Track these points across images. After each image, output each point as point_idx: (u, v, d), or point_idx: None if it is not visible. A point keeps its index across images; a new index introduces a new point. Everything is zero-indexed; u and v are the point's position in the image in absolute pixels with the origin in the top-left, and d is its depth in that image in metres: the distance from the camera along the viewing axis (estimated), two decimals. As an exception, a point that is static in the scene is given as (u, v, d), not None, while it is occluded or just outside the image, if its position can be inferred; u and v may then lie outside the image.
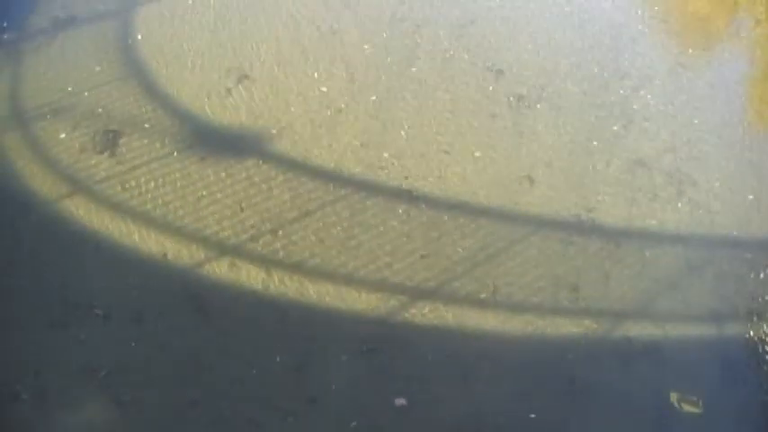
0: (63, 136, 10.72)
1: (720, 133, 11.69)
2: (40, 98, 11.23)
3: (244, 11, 13.09)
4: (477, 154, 10.95)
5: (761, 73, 13.41)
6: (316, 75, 11.93)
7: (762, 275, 9.87)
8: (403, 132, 11.15)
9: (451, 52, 12.58)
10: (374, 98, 11.62)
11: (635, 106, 11.95)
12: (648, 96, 12.17)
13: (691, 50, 13.70)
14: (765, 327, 9.40)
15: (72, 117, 10.97)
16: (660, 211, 10.45)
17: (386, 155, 10.83)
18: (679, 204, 10.58)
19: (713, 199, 10.71)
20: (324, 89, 11.71)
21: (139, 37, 12.43)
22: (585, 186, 10.64)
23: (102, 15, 12.85)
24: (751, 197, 10.79)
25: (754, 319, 9.45)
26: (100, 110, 11.09)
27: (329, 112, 11.32)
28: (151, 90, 11.49)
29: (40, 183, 10.16)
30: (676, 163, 11.11)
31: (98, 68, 11.74)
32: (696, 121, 11.85)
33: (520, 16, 13.62)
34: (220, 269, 9.51)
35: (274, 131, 10.97)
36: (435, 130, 11.25)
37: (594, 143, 11.26)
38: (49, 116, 10.97)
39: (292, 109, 11.32)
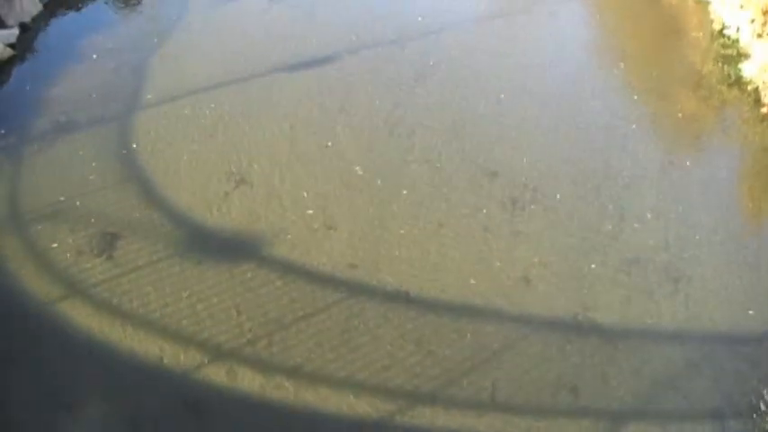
0: (61, 238, 11.07)
1: (713, 229, 12.03)
2: (39, 201, 11.69)
3: (242, 118, 13.77)
4: (473, 256, 11.26)
5: (750, 169, 13.95)
6: (313, 180, 12.42)
7: (761, 371, 10.05)
8: (399, 236, 11.49)
9: (445, 156, 13.14)
10: (371, 202, 12.06)
11: (628, 205, 12.36)
12: (641, 195, 12.61)
13: (681, 149, 14.32)
14: (769, 424, 9.50)
15: (70, 220, 11.37)
16: (656, 308, 10.65)
17: (383, 258, 11.12)
18: (675, 302, 10.78)
19: (709, 295, 10.91)
20: (321, 194, 12.17)
21: (138, 141, 13.04)
22: (582, 286, 10.91)
23: (101, 120, 13.52)
24: (747, 292, 11.03)
25: (757, 415, 9.56)
26: (98, 213, 11.52)
27: (326, 218, 11.71)
28: (149, 194, 11.94)
29: (37, 285, 10.41)
30: (671, 260, 11.40)
31: (97, 172, 12.27)
32: (689, 219, 12.21)
33: (512, 119, 14.30)
34: (218, 374, 9.60)
35: (271, 236, 11.33)
36: (431, 232, 11.60)
37: (589, 242, 11.60)
38: (47, 219, 11.38)
39: (289, 214, 11.73)
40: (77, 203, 11.66)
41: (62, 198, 11.72)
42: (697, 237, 11.90)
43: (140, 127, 13.39)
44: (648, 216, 12.19)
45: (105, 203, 11.66)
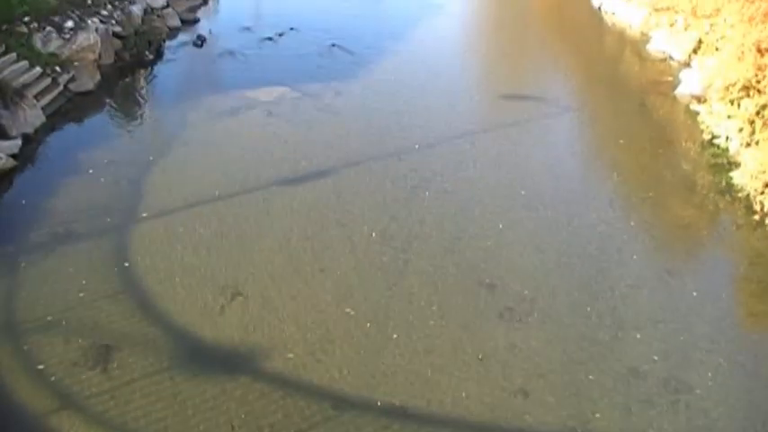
0: (55, 350, 11.08)
1: (712, 337, 12.14)
2: (35, 311, 11.77)
3: (238, 231, 14.05)
4: (470, 369, 11.29)
5: (746, 276, 14.19)
6: (308, 292, 12.58)
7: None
8: (395, 349, 11.53)
9: (442, 268, 13.36)
10: (366, 316, 12.15)
11: (625, 315, 12.51)
12: (638, 304, 12.78)
13: (677, 258, 14.62)
14: None
15: (65, 331, 11.42)
16: (657, 420, 10.61)
17: (378, 372, 11.13)
18: (676, 412, 10.79)
19: (711, 404, 10.91)
20: (316, 307, 12.30)
21: (135, 254, 13.26)
22: (580, 398, 10.91)
23: (100, 231, 13.78)
24: (749, 400, 11.06)
25: None
26: (93, 325, 11.58)
27: (321, 331, 11.78)
28: (145, 306, 12.06)
29: (31, 396, 10.36)
30: (670, 370, 11.45)
31: (93, 284, 12.41)
32: (687, 327, 12.33)
33: (508, 231, 14.61)
34: (211, 491, 9.56)
35: (266, 350, 11.39)
36: (427, 346, 11.64)
37: (587, 353, 11.68)
38: (42, 329, 11.42)
39: (285, 327, 11.82)
40: (73, 315, 11.76)
41: (58, 309, 11.83)
42: (696, 346, 12.00)
43: (137, 240, 13.66)
44: (646, 326, 12.32)
45: (101, 315, 11.77)
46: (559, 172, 17.33)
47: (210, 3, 30.89)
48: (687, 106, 20.85)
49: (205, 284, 12.57)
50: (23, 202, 14.74)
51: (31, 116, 17.28)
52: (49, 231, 13.75)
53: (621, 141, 19.29)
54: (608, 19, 31.21)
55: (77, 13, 21.66)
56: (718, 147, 18.34)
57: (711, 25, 23.42)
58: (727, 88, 18.91)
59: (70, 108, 18.96)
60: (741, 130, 17.89)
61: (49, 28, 20.05)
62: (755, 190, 15.97)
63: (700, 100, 20.53)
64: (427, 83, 22.33)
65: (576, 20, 32.54)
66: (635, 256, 14.12)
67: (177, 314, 11.89)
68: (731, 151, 17.92)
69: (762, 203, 15.57)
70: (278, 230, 14.15)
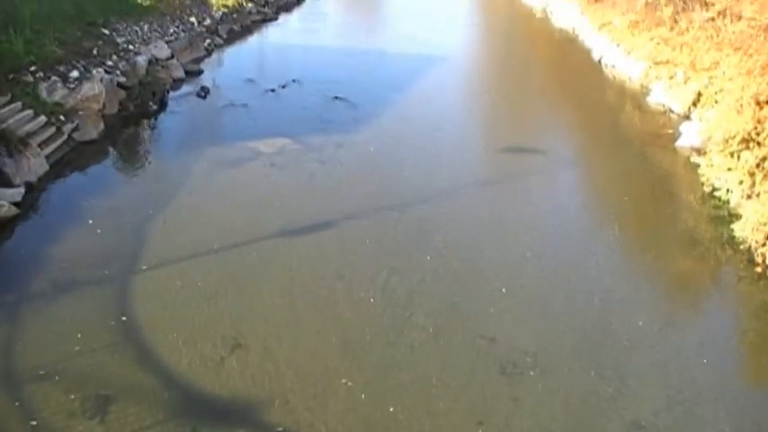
0: (54, 400, 11.01)
1: (716, 390, 12.04)
2: (34, 360, 11.70)
3: (239, 283, 14.08)
4: (472, 426, 11.20)
5: (749, 328, 14.17)
6: (309, 345, 12.55)
7: None
8: (396, 405, 11.42)
9: (443, 322, 13.30)
10: (367, 369, 12.08)
11: (627, 368, 12.44)
12: (640, 357, 12.71)
13: (678, 310, 14.61)
14: None
15: (64, 381, 11.35)
16: (662, 475, 10.57)
17: (379, 426, 11.04)
18: (680, 468, 10.74)
19: (715, 462, 10.88)
20: (317, 360, 12.25)
21: (135, 303, 13.29)
22: (583, 452, 10.87)
23: (101, 280, 13.83)
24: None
25: None
26: (92, 375, 11.52)
27: (322, 384, 11.70)
28: (144, 357, 12.03)
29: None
30: (674, 423, 11.36)
31: (92, 334, 12.39)
32: (690, 380, 12.26)
33: (510, 284, 14.59)
34: None
35: (266, 402, 11.33)
36: (428, 403, 11.51)
37: (589, 407, 11.60)
38: (40, 379, 11.35)
39: (285, 379, 11.74)
40: (72, 365, 11.73)
41: (57, 358, 11.80)
42: (699, 398, 11.91)
43: (138, 289, 13.69)
44: (648, 378, 12.24)
45: (100, 366, 11.73)
46: (560, 223, 17.43)
47: (214, 54, 31.47)
48: (687, 158, 21.03)
49: (205, 335, 12.55)
50: (25, 250, 14.83)
51: (35, 164, 17.47)
52: (49, 280, 13.78)
53: (622, 194, 19.43)
54: (608, 71, 31.71)
55: (83, 63, 22.08)
56: (719, 199, 18.46)
57: (710, 78, 23.76)
58: (726, 140, 19.10)
59: (74, 157, 19.16)
60: (741, 182, 18.02)
61: (54, 77, 20.42)
62: (757, 242, 16.01)
63: (700, 152, 20.73)
64: (429, 135, 22.59)
65: (576, 72, 33.05)
66: (637, 308, 14.11)
67: (176, 365, 11.85)
68: (732, 203, 18.03)
69: (764, 255, 15.59)
70: (279, 282, 14.18)
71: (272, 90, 26.00)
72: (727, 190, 18.43)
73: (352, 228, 16.31)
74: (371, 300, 13.77)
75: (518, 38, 43.59)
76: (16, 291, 13.41)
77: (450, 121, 24.82)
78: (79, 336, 12.28)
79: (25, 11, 22.11)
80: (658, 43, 28.93)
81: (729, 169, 18.74)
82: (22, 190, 16.51)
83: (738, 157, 18.60)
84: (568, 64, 35.11)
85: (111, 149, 20.40)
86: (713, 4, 26.65)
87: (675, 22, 29.00)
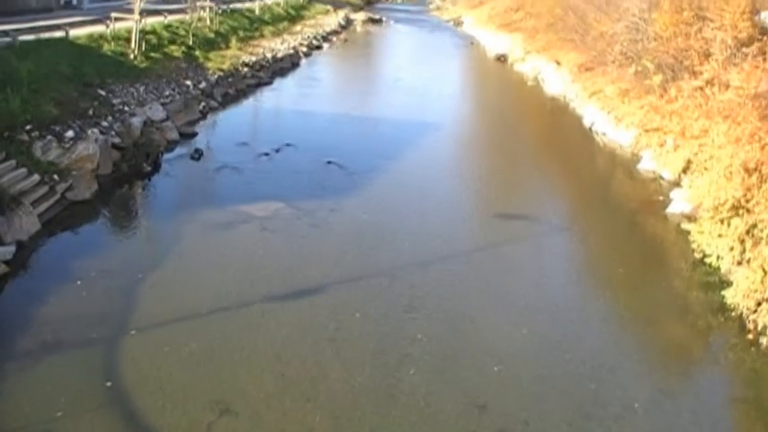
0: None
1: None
2: (15, 422, 11.56)
3: (228, 346, 13.98)
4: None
5: (742, 396, 14.18)
6: (299, 412, 12.41)
7: None
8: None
9: (433, 389, 13.22)
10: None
11: (620, 437, 12.46)
12: (632, 426, 12.65)
13: (671, 377, 14.60)
14: None
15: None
16: None
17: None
18: None
19: None
20: (306, 427, 12.14)
21: (123, 366, 13.19)
22: None
23: (89, 342, 13.73)
24: None
25: None
26: (77, 440, 11.45)
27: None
28: (130, 422, 11.89)
29: None
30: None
31: (80, 396, 12.26)
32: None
33: (501, 352, 14.57)
34: None
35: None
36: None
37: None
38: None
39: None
40: (58, 427, 11.60)
41: (39, 421, 11.66)
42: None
43: (125, 353, 13.59)
44: (642, 448, 12.19)
45: (87, 429, 11.60)
46: (552, 291, 17.50)
47: (209, 117, 31.86)
48: (678, 225, 21.28)
49: (193, 400, 12.41)
50: (13, 309, 14.77)
51: (27, 223, 17.53)
52: (36, 341, 13.67)
53: (614, 260, 19.60)
54: (599, 139, 32.24)
55: (78, 123, 22.36)
56: (710, 265, 18.62)
57: (700, 146, 24.22)
58: (716, 207, 19.38)
59: (66, 216, 19.23)
60: (732, 248, 18.22)
61: (49, 137, 20.64)
62: (748, 309, 16.11)
63: (690, 219, 21.00)
64: (421, 201, 22.83)
65: (568, 139, 33.61)
66: (629, 376, 14.11)
67: (163, 430, 11.72)
68: (723, 270, 18.19)
69: (755, 322, 15.69)
70: (269, 347, 14.11)
71: (266, 154, 26.24)
72: (718, 256, 18.61)
73: (343, 293, 16.30)
74: (362, 366, 13.71)
75: (510, 105, 44.33)
76: (5, 348, 13.32)
77: (443, 187, 25.10)
78: (63, 400, 12.14)
79: (23, 70, 22.48)
80: (648, 111, 29.53)
81: (720, 236, 18.95)
82: (13, 248, 16.53)
83: (728, 223, 18.86)
84: (560, 131, 35.70)
85: (103, 210, 20.48)
86: (701, 74, 27.32)
87: (665, 90, 29.64)
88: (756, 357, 15.07)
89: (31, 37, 27.68)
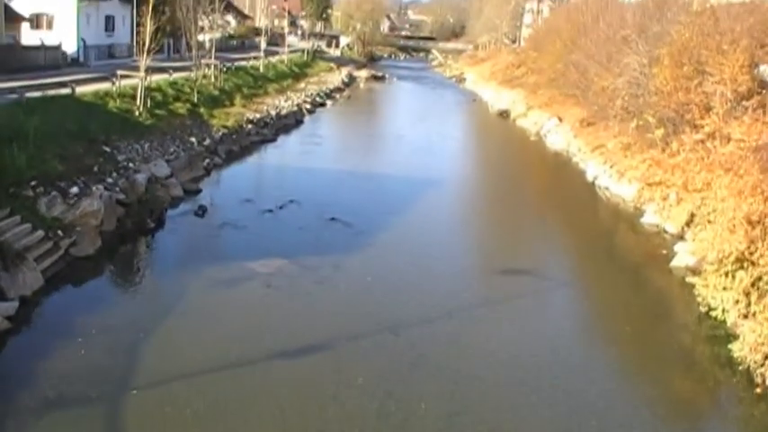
0: None
1: None
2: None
3: (232, 405, 13.74)
4: None
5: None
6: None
7: None
8: None
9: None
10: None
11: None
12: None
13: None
14: None
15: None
16: None
17: None
18: None
19: None
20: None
21: (125, 426, 13.10)
22: None
23: (89, 401, 13.61)
24: None
25: None
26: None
27: None
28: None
29: None
30: None
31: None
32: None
33: (508, 406, 14.53)
34: None
35: None
36: None
37: None
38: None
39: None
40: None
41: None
42: None
43: (126, 413, 13.49)
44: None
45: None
46: (557, 346, 17.41)
47: (213, 174, 32.21)
48: (682, 278, 21.29)
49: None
50: (14, 365, 14.75)
51: (30, 279, 17.63)
52: (36, 399, 13.57)
53: (619, 315, 19.59)
54: (602, 193, 32.49)
55: (83, 179, 22.65)
56: (716, 318, 18.58)
57: (703, 199, 24.39)
58: (721, 260, 19.42)
59: (70, 272, 19.33)
60: (737, 301, 18.21)
61: (54, 192, 20.89)
62: (755, 362, 16.03)
63: (695, 272, 21.01)
64: (424, 256, 22.93)
65: (570, 194, 33.83)
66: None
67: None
68: (729, 323, 18.15)
69: (763, 376, 15.60)
70: (273, 406, 14.02)
71: (270, 210, 26.40)
72: (724, 309, 18.58)
73: (347, 351, 16.24)
74: (367, 424, 13.62)
75: (513, 160, 44.77)
76: (7, 404, 13.27)
77: (447, 242, 25.23)
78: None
79: (30, 126, 22.86)
80: (651, 165, 29.81)
81: (725, 289, 18.95)
82: (16, 304, 16.59)
83: (733, 276, 18.87)
84: (563, 185, 35.97)
85: (107, 266, 20.60)
86: (703, 127, 27.61)
87: (667, 144, 29.99)
88: (765, 411, 14.96)
89: (38, 93, 28.23)
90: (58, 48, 47.37)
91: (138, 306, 18.28)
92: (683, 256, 22.38)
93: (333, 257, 21.82)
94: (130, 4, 57.91)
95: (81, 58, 52.60)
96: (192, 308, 18.00)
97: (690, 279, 20.87)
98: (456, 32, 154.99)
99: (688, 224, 24.57)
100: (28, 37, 50.81)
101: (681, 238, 24.38)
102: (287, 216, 26.07)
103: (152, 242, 22.99)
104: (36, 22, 54.28)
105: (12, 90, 27.20)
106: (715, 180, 24.15)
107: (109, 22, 61.48)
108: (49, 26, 54.64)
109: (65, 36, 51.82)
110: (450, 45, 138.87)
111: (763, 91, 27.31)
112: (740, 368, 16.25)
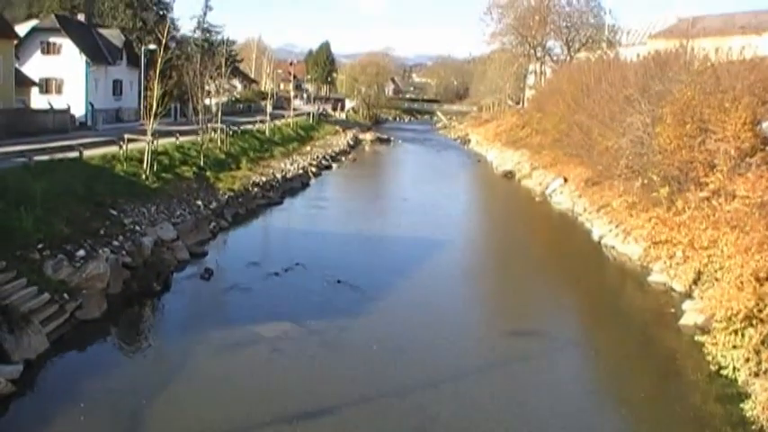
0: None
1: None
2: None
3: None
4: None
5: None
6: None
7: None
8: None
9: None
10: None
11: None
12: None
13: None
14: None
15: None
16: None
17: None
18: None
19: None
20: None
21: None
22: None
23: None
24: None
25: None
26: None
27: None
28: None
29: None
30: None
31: None
32: None
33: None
34: None
35: None
36: None
37: None
38: None
39: None
40: None
41: None
42: None
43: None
44: None
45: None
46: (566, 409, 17.25)
47: (219, 237, 32.40)
48: (692, 337, 21.17)
49: None
50: (18, 429, 14.73)
51: (35, 342, 17.67)
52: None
53: (629, 375, 19.46)
54: (608, 252, 32.53)
55: (90, 242, 22.88)
56: (726, 377, 18.46)
57: (709, 256, 24.43)
58: (729, 318, 19.39)
59: (75, 335, 19.37)
60: (748, 359, 18.13)
61: (61, 255, 21.11)
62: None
63: (704, 330, 20.92)
64: (431, 318, 22.91)
65: (577, 253, 33.85)
66: None
67: None
68: (740, 381, 18.01)
69: (776, 435, 15.47)
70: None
71: (276, 273, 26.41)
72: (734, 368, 18.48)
73: (355, 414, 16.15)
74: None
75: (519, 220, 44.92)
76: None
77: (453, 303, 25.22)
78: None
79: (37, 189, 23.20)
80: (656, 223, 29.91)
81: (735, 347, 18.89)
82: (21, 367, 16.60)
83: (743, 334, 18.84)
84: (569, 245, 36.02)
85: (112, 329, 20.65)
86: (707, 184, 27.78)
87: (672, 202, 30.14)
88: (780, 472, 14.79)
89: (46, 157, 28.69)
90: (66, 111, 48.34)
91: (143, 370, 18.24)
92: (691, 315, 22.30)
93: (339, 320, 21.81)
94: (138, 69, 59.20)
95: (89, 122, 53.61)
96: (197, 373, 17.97)
97: (699, 337, 20.77)
98: (460, 94, 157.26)
99: (695, 282, 24.56)
100: (37, 101, 51.95)
101: (689, 296, 24.34)
102: (293, 279, 26.11)
103: (158, 305, 23.05)
104: (46, 86, 55.61)
105: (21, 153, 27.66)
106: (721, 237, 24.24)
107: (117, 87, 62.87)
108: (59, 90, 55.93)
109: (73, 100, 52.99)
110: (455, 107, 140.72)
111: (766, 147, 27.55)
112: (753, 428, 16.09)
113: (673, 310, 23.75)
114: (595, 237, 34.81)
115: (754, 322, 18.78)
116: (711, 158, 28.20)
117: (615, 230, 33.50)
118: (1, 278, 18.77)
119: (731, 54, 36.78)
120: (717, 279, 22.82)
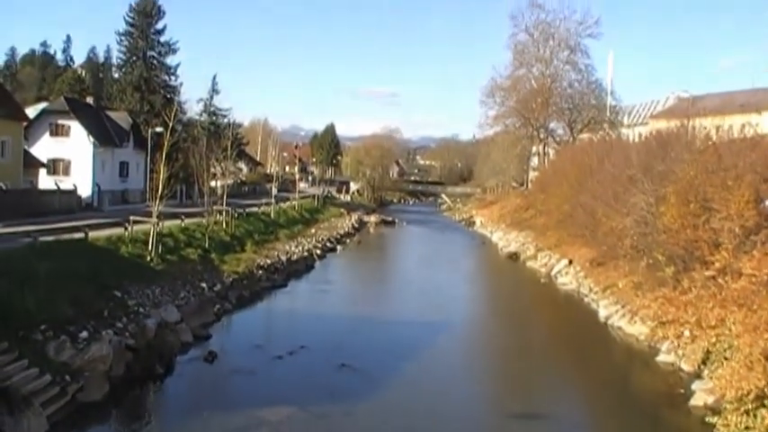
0: None
1: None
2: None
3: None
4: None
5: None
6: None
7: None
8: None
9: None
10: None
11: None
12: None
13: None
14: None
15: None
16: None
17: None
18: None
19: None
20: None
21: None
22: None
23: None
24: None
25: None
26: None
27: None
28: None
29: None
30: None
31: None
32: None
33: None
34: None
35: None
36: None
37: None
38: None
39: None
40: None
41: None
42: None
43: None
44: None
45: None
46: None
47: (223, 319, 32.33)
48: (702, 418, 20.85)
49: None
50: None
51: (35, 424, 17.52)
52: None
53: None
54: (615, 332, 32.34)
55: (93, 323, 22.88)
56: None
57: (717, 336, 24.30)
58: (740, 399, 19.20)
59: (76, 418, 19.17)
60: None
61: (63, 337, 21.08)
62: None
63: (714, 411, 20.64)
64: (436, 402, 22.72)
65: (584, 334, 33.67)
66: None
67: None
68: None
69: None
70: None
71: (280, 357, 26.21)
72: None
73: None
74: None
75: (524, 302, 44.80)
76: None
77: (458, 386, 24.95)
78: None
79: (41, 269, 23.33)
80: (663, 303, 29.83)
81: (747, 428, 18.67)
82: (20, 450, 16.47)
83: (755, 415, 18.63)
84: (576, 326, 35.85)
85: (113, 412, 20.46)
86: (713, 263, 27.78)
87: (678, 281, 30.13)
88: None
89: (51, 237, 28.94)
90: (73, 192, 49.05)
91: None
92: (700, 395, 22.04)
93: (343, 404, 21.62)
94: (145, 151, 60.21)
95: (95, 203, 54.26)
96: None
97: (710, 419, 20.46)
98: (464, 176, 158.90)
99: (704, 362, 24.33)
100: (45, 181, 52.75)
101: (698, 376, 24.07)
102: (297, 362, 25.95)
103: (160, 388, 22.90)
104: (53, 167, 56.57)
105: (27, 233, 27.92)
106: (729, 316, 24.15)
107: (123, 168, 63.90)
108: (66, 171, 56.94)
109: (80, 181, 53.86)
110: (459, 189, 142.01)
111: (770, 225, 27.69)
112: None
113: (682, 391, 23.47)
114: (602, 317, 34.66)
115: (765, 402, 18.58)
116: (716, 237, 28.31)
117: (621, 311, 33.39)
118: (2, 359, 18.73)
119: (732, 132, 37.28)
120: (726, 358, 22.64)
